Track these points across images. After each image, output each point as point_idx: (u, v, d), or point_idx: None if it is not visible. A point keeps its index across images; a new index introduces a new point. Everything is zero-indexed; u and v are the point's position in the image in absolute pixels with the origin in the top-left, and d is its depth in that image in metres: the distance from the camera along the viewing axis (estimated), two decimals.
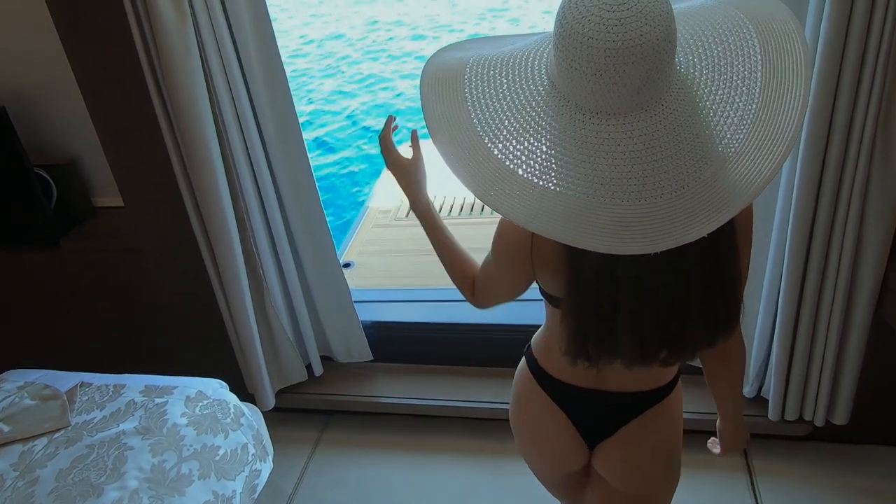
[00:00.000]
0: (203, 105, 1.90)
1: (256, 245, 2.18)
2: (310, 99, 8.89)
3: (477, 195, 0.79)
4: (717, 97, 0.78)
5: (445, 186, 3.62)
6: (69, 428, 1.61)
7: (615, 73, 0.72)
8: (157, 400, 1.67)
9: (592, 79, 0.74)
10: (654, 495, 1.26)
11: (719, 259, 0.90)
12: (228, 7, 1.85)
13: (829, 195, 1.71)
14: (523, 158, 0.79)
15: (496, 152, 0.80)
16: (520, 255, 1.02)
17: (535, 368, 1.19)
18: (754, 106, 0.77)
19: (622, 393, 1.12)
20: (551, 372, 1.16)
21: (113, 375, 1.80)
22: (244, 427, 1.70)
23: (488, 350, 2.52)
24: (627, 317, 0.91)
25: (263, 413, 2.37)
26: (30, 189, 2.22)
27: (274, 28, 1.92)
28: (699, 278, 0.90)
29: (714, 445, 1.34)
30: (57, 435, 1.59)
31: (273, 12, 1.88)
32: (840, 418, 2.03)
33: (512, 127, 0.81)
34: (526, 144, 0.80)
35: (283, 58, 1.97)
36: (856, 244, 1.76)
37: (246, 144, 2.04)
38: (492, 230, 1.11)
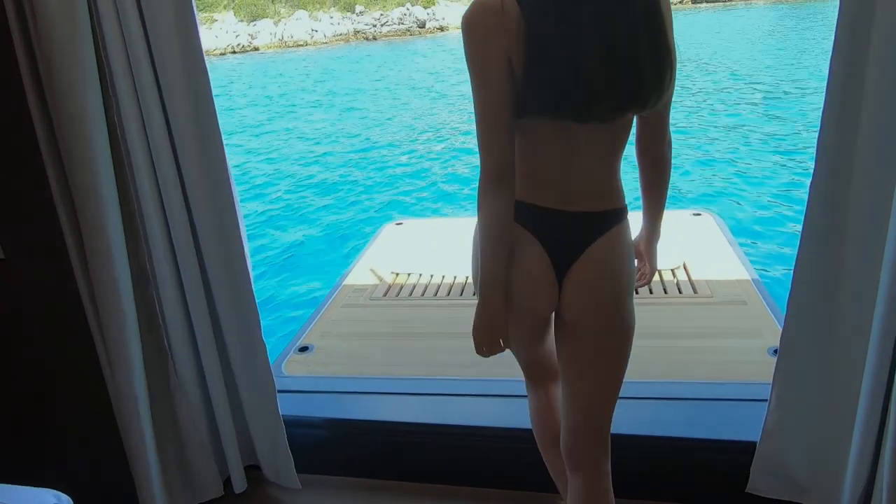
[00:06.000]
0: (93, 112, 1.43)
1: (161, 306, 1.63)
2: None
3: None
4: None
5: (444, 266, 3.11)
6: None
7: None
8: None
9: None
10: (616, 335, 1.32)
11: (658, 22, 1.10)
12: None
13: None
14: None
15: None
16: (497, 40, 1.10)
17: None
18: None
19: (585, 212, 1.23)
20: (522, 198, 1.23)
21: None
22: None
23: (476, 462, 1.90)
24: (593, 55, 1.06)
25: None
26: None
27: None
28: (643, 31, 1.08)
29: (639, 278, 1.52)
30: None
31: None
32: None
33: None
34: None
35: None
36: None
37: (155, 172, 1.54)
38: None
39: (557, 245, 1.24)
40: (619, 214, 1.27)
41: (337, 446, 1.99)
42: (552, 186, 1.22)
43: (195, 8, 1.41)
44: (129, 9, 1.40)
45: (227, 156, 1.57)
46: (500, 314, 1.25)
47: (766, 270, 4.56)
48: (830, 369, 1.49)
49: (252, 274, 1.68)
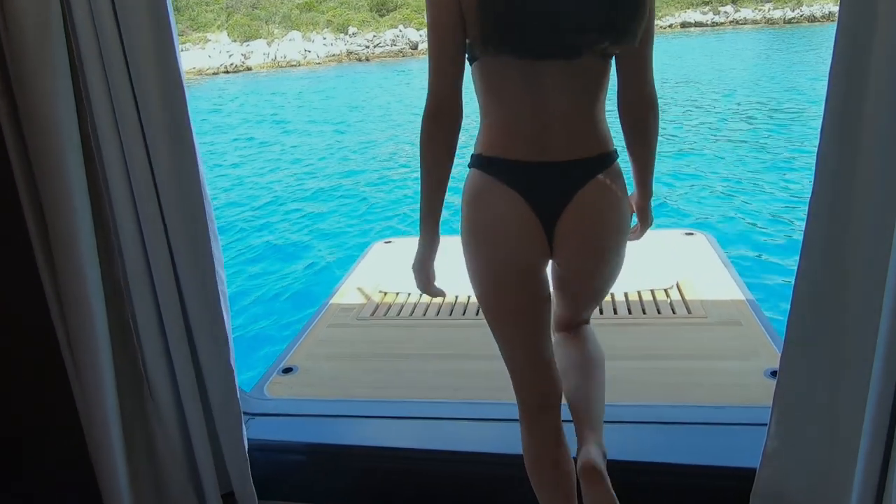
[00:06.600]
0: (65, 119, 1.37)
1: (136, 325, 1.55)
2: None
3: None
4: None
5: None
6: None
7: None
8: None
9: None
10: (608, 275, 1.36)
11: None
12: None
13: None
14: None
15: None
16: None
17: (482, 162, 1.25)
18: None
19: (564, 161, 1.20)
20: (499, 154, 1.22)
21: None
22: None
23: (465, 489, 1.84)
24: None
25: None
26: None
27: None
28: None
29: (631, 233, 1.44)
30: None
31: None
32: None
33: None
34: None
35: None
36: None
37: (131, 186, 1.48)
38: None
39: (538, 197, 1.21)
40: (604, 160, 1.24)
41: (320, 473, 1.91)
42: (527, 138, 1.20)
43: (171, 10, 1.36)
44: (104, 14, 1.34)
45: (202, 167, 1.51)
46: (432, 247, 1.31)
47: (767, 282, 4.52)
48: (833, 392, 1.44)
49: (226, 295, 1.61)
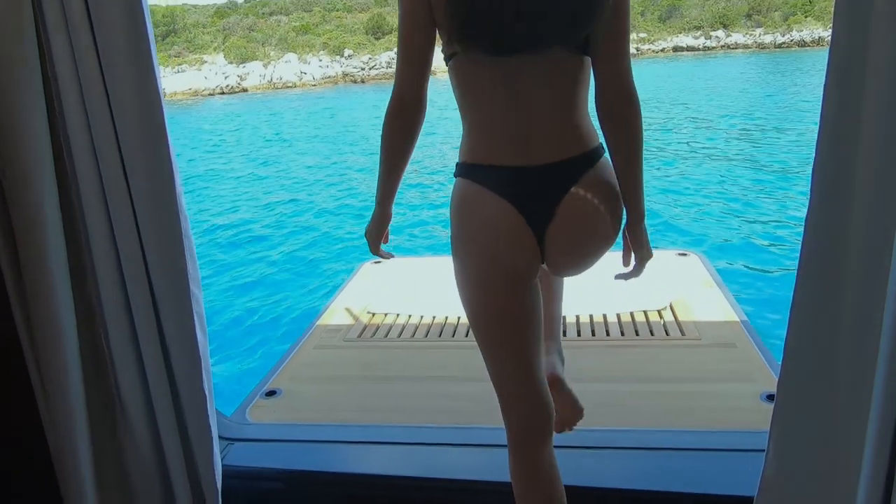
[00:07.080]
0: (37, 133, 1.32)
1: (108, 337, 1.49)
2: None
3: None
4: None
5: (422, 306, 2.99)
6: None
7: None
8: None
9: None
10: (589, 267, 1.32)
11: None
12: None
13: None
14: None
15: None
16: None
17: (467, 170, 1.23)
18: None
19: (548, 164, 1.19)
20: (482, 161, 1.21)
21: None
22: None
23: None
24: None
25: None
26: None
27: None
28: None
29: (626, 265, 1.35)
30: None
31: None
32: None
33: None
34: None
35: None
36: None
37: (107, 203, 1.43)
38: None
39: (526, 202, 1.19)
40: (590, 157, 1.21)
41: (302, 501, 1.84)
42: (509, 141, 1.19)
43: (149, 20, 1.32)
44: (78, 24, 1.30)
45: (180, 183, 1.46)
46: (384, 221, 1.38)
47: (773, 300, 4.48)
48: (832, 417, 1.38)
49: (202, 315, 1.55)
